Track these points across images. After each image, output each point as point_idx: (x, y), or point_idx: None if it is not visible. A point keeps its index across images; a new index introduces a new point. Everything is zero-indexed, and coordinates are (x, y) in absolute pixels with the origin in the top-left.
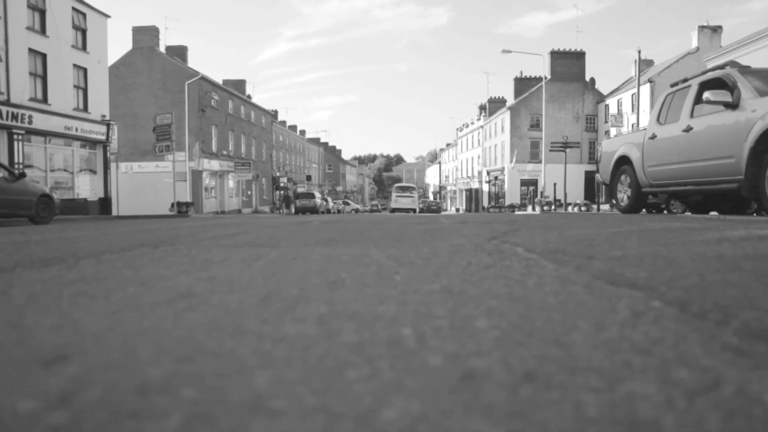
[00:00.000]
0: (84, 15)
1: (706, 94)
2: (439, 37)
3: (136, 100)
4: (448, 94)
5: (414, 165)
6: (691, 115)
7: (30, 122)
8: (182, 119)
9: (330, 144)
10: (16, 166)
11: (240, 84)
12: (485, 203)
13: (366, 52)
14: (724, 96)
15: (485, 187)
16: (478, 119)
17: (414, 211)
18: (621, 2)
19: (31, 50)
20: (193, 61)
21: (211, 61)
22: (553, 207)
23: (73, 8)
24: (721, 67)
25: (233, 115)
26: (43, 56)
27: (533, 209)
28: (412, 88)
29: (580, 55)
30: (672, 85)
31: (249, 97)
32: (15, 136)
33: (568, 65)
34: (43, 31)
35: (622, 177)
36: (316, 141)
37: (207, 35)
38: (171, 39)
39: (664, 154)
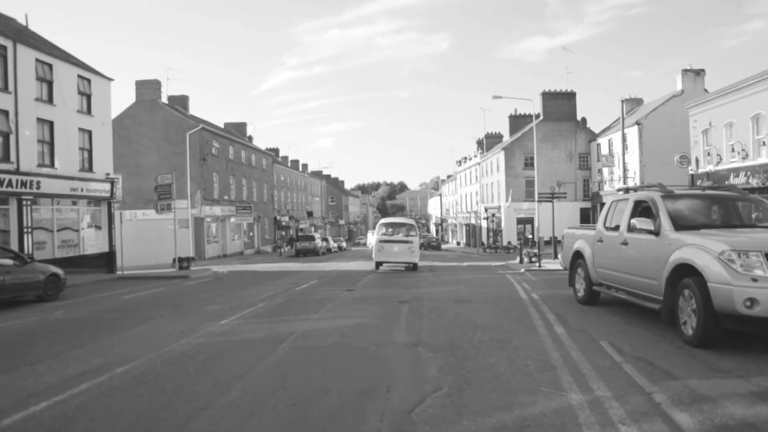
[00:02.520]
0: (89, 81)
1: (633, 221)
2: (441, 63)
3: (139, 151)
4: (450, 120)
5: (417, 192)
6: (628, 228)
7: (38, 187)
8: (184, 168)
9: (333, 176)
10: (26, 229)
11: (241, 126)
12: (484, 239)
13: (368, 79)
14: (648, 224)
15: (484, 223)
16: (475, 155)
17: (414, 266)
18: (620, 22)
19: (39, 119)
20: (195, 107)
21: (213, 101)
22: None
23: (79, 75)
24: (654, 186)
25: (234, 160)
26: (51, 123)
27: (520, 260)
28: (414, 115)
29: (571, 95)
30: (618, 190)
31: (250, 138)
32: (24, 202)
33: (560, 105)
34: (50, 100)
35: (579, 270)
36: (318, 174)
37: (210, 66)
38: (173, 88)
39: (607, 260)
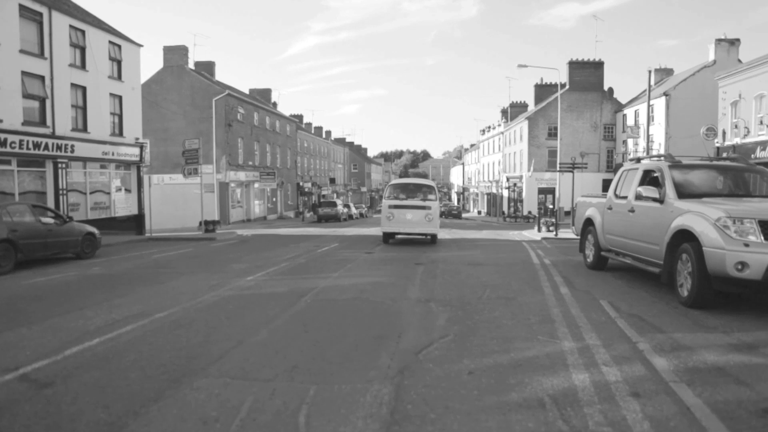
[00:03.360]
0: (119, 47)
1: (639, 189)
2: (469, 30)
3: (167, 116)
4: (475, 88)
5: (440, 161)
6: (636, 196)
7: (72, 151)
8: (210, 133)
9: (356, 143)
10: (61, 191)
11: (266, 93)
12: (505, 208)
13: (394, 45)
14: (653, 192)
15: (505, 193)
16: (499, 125)
17: (433, 238)
18: None
19: (72, 84)
20: (221, 73)
21: (238, 66)
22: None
23: (110, 42)
24: (663, 156)
25: (258, 126)
26: (84, 89)
27: (538, 229)
28: (439, 83)
29: (598, 65)
30: (631, 160)
31: (275, 104)
32: (59, 165)
33: (587, 75)
34: (83, 66)
35: (589, 236)
36: (341, 141)
37: (236, 33)
38: (200, 54)
39: (615, 227)
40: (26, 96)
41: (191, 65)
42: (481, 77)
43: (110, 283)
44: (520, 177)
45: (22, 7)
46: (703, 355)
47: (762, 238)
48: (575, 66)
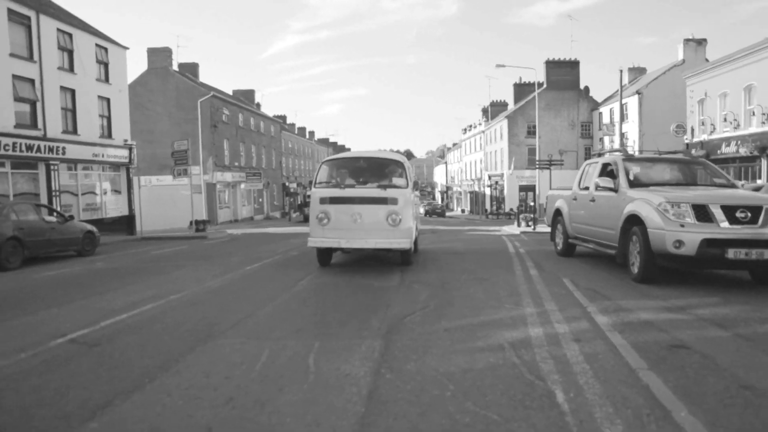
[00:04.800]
0: (106, 49)
1: (597, 180)
2: (449, 28)
3: (152, 118)
4: (456, 87)
5: (423, 161)
6: (595, 187)
7: (63, 153)
8: (196, 135)
9: (339, 143)
10: (54, 193)
11: (249, 94)
12: (488, 206)
13: (375, 44)
14: (609, 183)
15: (487, 191)
16: (480, 124)
17: (404, 254)
18: None
19: (62, 87)
20: (205, 74)
21: (221, 67)
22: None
23: (96, 45)
24: (619, 151)
25: (243, 127)
26: (72, 91)
27: (518, 224)
28: (420, 81)
29: (574, 64)
30: (593, 154)
31: (258, 105)
32: (51, 167)
33: (563, 74)
34: (71, 68)
35: (558, 226)
36: (325, 141)
37: (216, 35)
38: (183, 56)
39: (579, 215)
40: (17, 99)
41: (175, 67)
42: (463, 76)
43: (117, 275)
44: (502, 175)
45: (10, 11)
46: (639, 314)
47: (695, 219)
48: (552, 65)
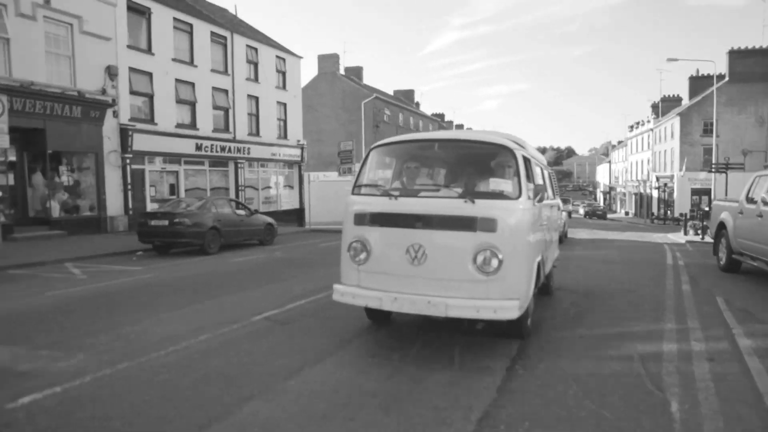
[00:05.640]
0: (283, 60)
1: (764, 195)
2: (617, 15)
3: (320, 119)
4: (623, 80)
5: (585, 158)
6: (764, 203)
7: (248, 153)
8: (359, 135)
9: None
10: (240, 187)
11: (409, 93)
12: (654, 210)
13: (535, 37)
14: None
15: (654, 193)
16: (648, 121)
17: (513, 326)
18: None
19: (248, 95)
20: (368, 75)
21: (382, 67)
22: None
23: (276, 56)
24: None
25: (403, 126)
26: (256, 99)
27: (684, 232)
28: (584, 75)
29: (766, 53)
30: (765, 166)
31: (417, 104)
32: (239, 164)
33: (751, 65)
34: (256, 78)
35: (722, 239)
36: None
37: (379, 36)
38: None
39: (746, 231)
40: (215, 108)
41: (342, 71)
42: (631, 68)
43: (294, 264)
44: (671, 177)
45: (213, 34)
46: None
47: None
48: (737, 55)
